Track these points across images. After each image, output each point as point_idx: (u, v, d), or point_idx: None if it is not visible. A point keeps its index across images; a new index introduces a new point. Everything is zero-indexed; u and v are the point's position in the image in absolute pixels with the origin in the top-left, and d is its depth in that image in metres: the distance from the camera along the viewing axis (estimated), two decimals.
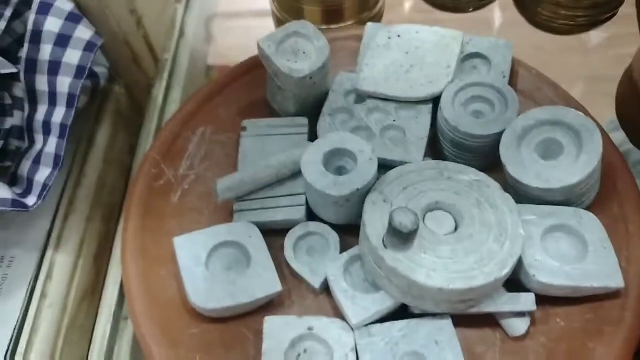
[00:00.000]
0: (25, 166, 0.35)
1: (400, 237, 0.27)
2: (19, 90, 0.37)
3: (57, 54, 0.36)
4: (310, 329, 0.28)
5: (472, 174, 0.31)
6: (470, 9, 0.53)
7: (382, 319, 0.29)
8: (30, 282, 0.33)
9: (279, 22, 0.51)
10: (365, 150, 0.31)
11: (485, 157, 0.34)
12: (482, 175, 0.31)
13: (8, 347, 0.31)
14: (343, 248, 0.31)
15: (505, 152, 0.31)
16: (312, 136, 0.35)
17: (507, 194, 0.30)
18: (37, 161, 0.35)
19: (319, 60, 0.34)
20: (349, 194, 0.30)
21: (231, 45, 0.56)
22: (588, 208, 0.31)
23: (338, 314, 0.29)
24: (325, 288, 0.30)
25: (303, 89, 0.35)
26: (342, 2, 0.47)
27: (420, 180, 0.30)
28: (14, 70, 0.35)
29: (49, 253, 0.34)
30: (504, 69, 0.37)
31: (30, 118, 0.36)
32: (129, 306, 0.31)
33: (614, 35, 0.50)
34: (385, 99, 0.36)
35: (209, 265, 0.31)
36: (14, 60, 0.36)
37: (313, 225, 0.32)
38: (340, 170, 0.32)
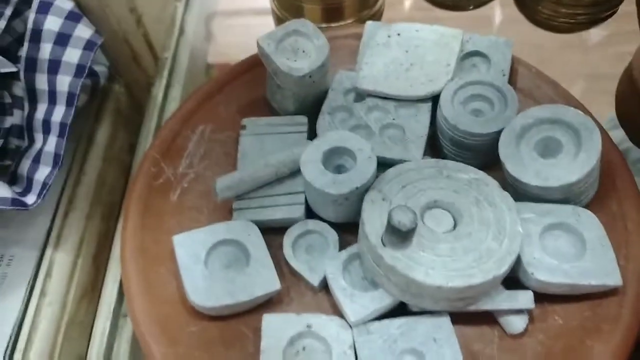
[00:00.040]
0: (25, 165, 0.35)
1: (399, 235, 0.27)
2: (19, 89, 0.37)
3: (57, 53, 0.36)
4: (309, 326, 0.28)
5: (471, 173, 0.31)
6: (471, 7, 0.53)
7: (380, 317, 0.29)
8: (30, 281, 0.33)
9: (279, 21, 0.51)
10: (365, 149, 0.31)
11: (485, 155, 0.34)
12: (481, 174, 0.31)
13: (8, 344, 0.31)
14: (342, 246, 0.31)
15: (505, 151, 0.31)
16: (312, 135, 0.35)
17: (506, 192, 0.30)
18: (37, 160, 0.35)
19: (318, 59, 0.34)
20: (348, 193, 0.30)
21: (231, 44, 0.56)
22: (587, 206, 0.31)
23: (337, 311, 0.29)
24: (324, 286, 0.30)
25: (303, 88, 0.35)
26: (342, 1, 0.47)
27: (420, 178, 0.30)
28: (14, 69, 0.35)
29: (48, 251, 0.34)
30: (504, 68, 0.37)
31: (30, 117, 0.36)
32: (129, 304, 0.31)
33: (615, 33, 0.50)
34: (385, 97, 0.36)
35: (208, 263, 0.31)
36: (14, 59, 0.36)
37: (312, 224, 0.32)
38: (339, 169, 0.32)
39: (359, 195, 0.30)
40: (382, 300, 0.29)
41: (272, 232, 0.32)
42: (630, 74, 0.39)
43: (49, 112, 0.36)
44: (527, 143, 0.31)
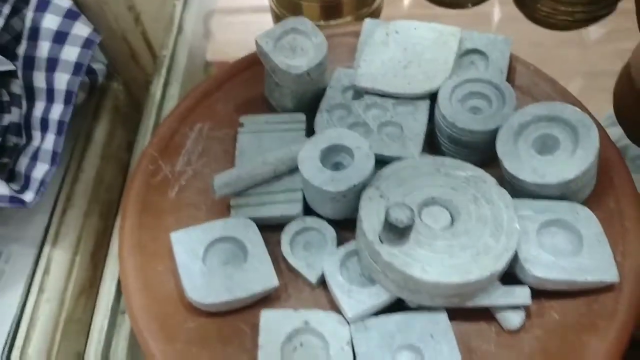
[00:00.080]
0: (23, 163, 0.35)
1: (396, 232, 0.27)
2: (16, 87, 0.37)
3: (55, 51, 0.36)
4: (306, 322, 0.28)
5: (469, 170, 0.31)
6: (470, 5, 0.53)
7: (378, 313, 0.29)
8: (28, 278, 0.33)
9: (278, 19, 0.51)
10: (362, 147, 0.31)
11: (483, 152, 0.34)
12: (479, 171, 0.31)
13: (6, 341, 0.31)
14: (340, 243, 0.31)
15: (502, 148, 0.31)
16: (310, 132, 0.35)
17: (504, 189, 0.30)
18: (34, 158, 0.35)
19: (316, 57, 0.34)
20: (346, 190, 0.30)
21: (230, 42, 0.56)
22: (584, 203, 0.31)
23: (334, 308, 0.29)
24: (322, 282, 0.31)
25: (301, 86, 0.35)
26: None
27: (417, 175, 0.30)
28: (12, 67, 0.35)
29: (46, 249, 0.35)
30: (502, 65, 0.37)
31: (28, 115, 0.36)
32: (127, 301, 0.31)
33: (613, 31, 0.50)
34: (383, 95, 0.36)
35: (206, 260, 0.31)
36: (12, 57, 0.36)
37: (310, 221, 0.32)
38: (337, 166, 0.32)
39: (357, 192, 0.30)
40: (379, 296, 0.29)
41: (270, 229, 0.32)
42: (628, 72, 0.39)
43: (47, 110, 0.36)
44: (525, 140, 0.32)
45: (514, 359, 0.28)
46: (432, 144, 0.36)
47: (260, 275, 0.30)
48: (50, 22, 0.36)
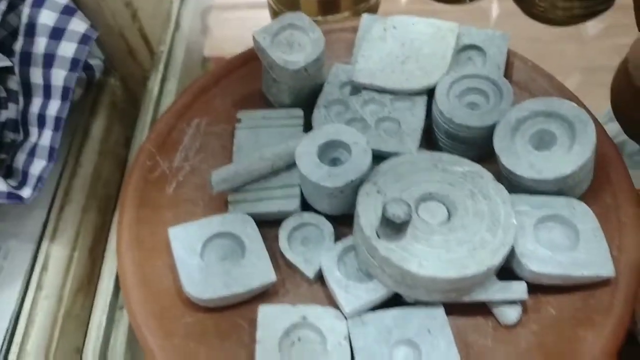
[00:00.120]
0: (20, 159, 0.35)
1: (393, 227, 0.27)
2: (13, 83, 0.37)
3: (51, 47, 0.36)
4: (304, 317, 0.28)
5: (466, 166, 0.31)
6: (468, 1, 0.53)
7: (375, 308, 0.29)
8: (26, 274, 0.33)
9: (275, 14, 0.51)
10: (360, 142, 0.31)
11: (480, 148, 0.34)
12: (476, 167, 0.31)
13: (4, 338, 0.31)
14: (337, 238, 0.31)
15: (499, 144, 0.31)
16: (308, 128, 0.35)
17: (501, 184, 0.30)
18: (32, 154, 0.35)
19: (314, 53, 0.34)
20: (343, 186, 0.30)
21: (227, 37, 0.56)
22: (581, 198, 0.31)
23: (332, 303, 0.29)
24: (320, 278, 0.31)
25: (298, 81, 0.35)
26: None
27: (415, 171, 0.30)
28: (8, 63, 0.35)
29: (44, 245, 0.35)
30: (500, 61, 0.37)
31: (25, 111, 0.36)
32: (125, 297, 0.31)
33: (611, 26, 0.50)
34: (381, 90, 0.36)
35: (204, 255, 0.31)
36: (8, 53, 0.36)
37: (308, 216, 0.32)
38: (335, 162, 0.32)
39: (354, 188, 0.30)
40: (376, 291, 0.29)
41: (268, 224, 0.32)
42: (625, 68, 0.39)
43: (44, 106, 0.36)
44: (522, 136, 0.32)
45: (511, 354, 0.28)
46: (429, 140, 0.36)
47: (257, 271, 0.30)
48: (47, 18, 0.36)
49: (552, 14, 0.49)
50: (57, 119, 0.35)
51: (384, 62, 0.37)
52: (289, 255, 0.31)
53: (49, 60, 0.36)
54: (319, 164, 0.31)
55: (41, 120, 0.36)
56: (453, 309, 0.29)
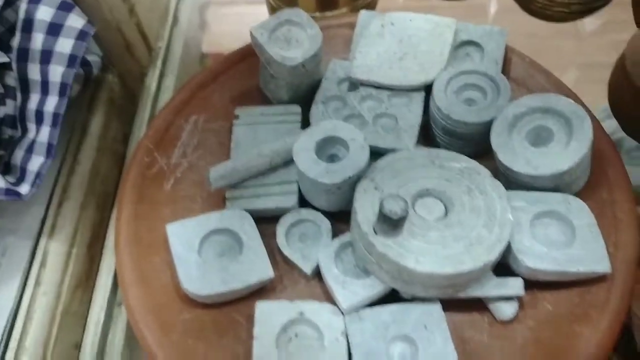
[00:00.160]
0: (18, 155, 0.35)
1: (390, 223, 0.27)
2: (11, 79, 0.37)
3: (49, 43, 0.36)
4: (301, 313, 0.28)
5: (463, 162, 0.31)
6: None
7: (372, 304, 0.29)
8: (24, 270, 0.33)
9: (273, 10, 0.51)
10: (357, 138, 0.31)
11: (477, 144, 0.34)
12: (473, 163, 0.31)
13: (3, 334, 0.31)
14: (335, 234, 0.32)
15: (496, 140, 0.31)
16: (306, 124, 0.35)
17: (498, 181, 0.30)
18: (30, 150, 0.35)
19: (311, 49, 0.34)
20: (341, 182, 0.30)
21: (226, 33, 0.56)
22: (578, 194, 0.31)
23: (329, 299, 0.29)
24: (317, 274, 0.31)
25: (296, 77, 0.35)
26: None
27: (412, 167, 0.30)
28: (6, 59, 0.35)
29: (42, 241, 0.35)
30: (497, 57, 0.37)
31: (23, 107, 0.36)
32: (123, 293, 0.31)
33: (609, 22, 0.51)
34: (379, 87, 0.36)
35: (201, 252, 0.31)
36: (5, 49, 0.36)
37: (305, 213, 0.32)
38: (332, 158, 0.32)
39: (352, 184, 0.30)
40: (373, 287, 0.29)
41: (266, 220, 0.32)
42: (623, 64, 0.39)
43: (41, 102, 0.36)
44: (519, 132, 0.32)
45: (507, 350, 0.28)
46: (427, 136, 0.36)
47: (255, 267, 0.30)
48: (44, 13, 0.36)
49: (550, 10, 0.49)
50: (55, 115, 0.35)
51: (382, 58, 0.37)
52: (287, 251, 0.31)
53: (46, 56, 0.36)
54: (317, 161, 0.31)
55: (39, 117, 0.36)
56: (450, 304, 0.29)
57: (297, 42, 0.35)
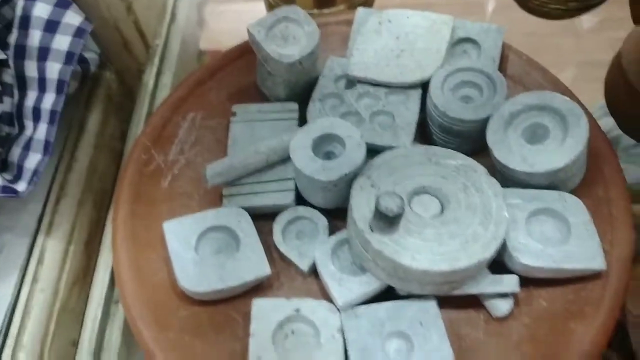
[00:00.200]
0: (15, 152, 0.35)
1: (386, 220, 0.27)
2: (8, 76, 0.37)
3: (46, 40, 0.36)
4: (297, 310, 0.28)
5: (459, 159, 0.31)
6: None
7: (368, 301, 0.29)
8: (21, 268, 0.33)
9: (271, 7, 0.50)
10: (354, 136, 0.31)
11: (474, 141, 0.34)
12: (469, 160, 0.31)
13: (0, 331, 0.31)
14: (332, 232, 0.32)
15: (492, 137, 0.32)
16: (303, 121, 0.35)
17: (494, 178, 0.30)
18: (27, 148, 0.35)
19: (308, 46, 0.34)
20: (337, 179, 0.30)
21: (223, 30, 0.56)
22: (574, 192, 0.32)
23: (326, 296, 0.30)
24: (314, 271, 0.31)
25: (293, 75, 0.35)
26: None
27: (408, 165, 0.30)
28: (3, 56, 0.35)
29: (40, 238, 0.35)
30: (494, 54, 0.37)
31: (20, 104, 0.36)
32: (120, 290, 0.31)
33: (606, 19, 0.50)
34: (376, 84, 0.36)
35: (198, 249, 0.31)
36: (3, 46, 0.36)
37: (302, 210, 0.32)
38: (329, 156, 0.32)
39: (348, 181, 0.30)
40: (369, 284, 0.29)
41: (263, 218, 0.32)
42: (619, 62, 0.39)
43: (39, 100, 0.36)
44: (515, 129, 0.32)
45: (502, 346, 0.28)
46: (423, 133, 0.36)
47: (252, 264, 0.30)
48: (41, 10, 0.36)
49: (547, 8, 0.49)
50: (52, 113, 0.35)
51: (379, 55, 0.37)
52: (284, 248, 0.31)
53: (43, 53, 0.36)
54: (313, 158, 0.31)
55: (36, 114, 0.36)
56: (445, 301, 0.29)
57: (294, 39, 0.35)
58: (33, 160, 0.34)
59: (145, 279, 0.31)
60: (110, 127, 0.43)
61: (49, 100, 0.35)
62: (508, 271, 0.29)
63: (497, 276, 0.29)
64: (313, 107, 0.36)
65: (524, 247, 0.29)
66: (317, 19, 0.36)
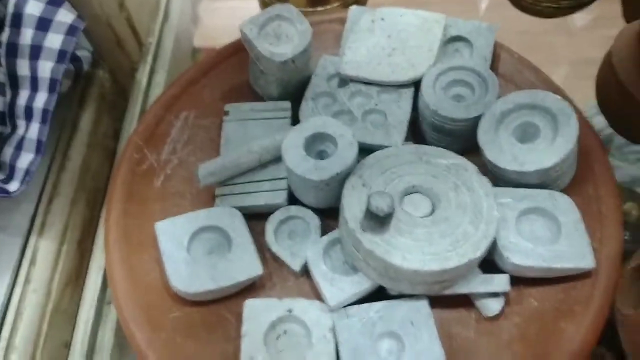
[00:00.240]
0: (7, 152, 0.35)
1: (377, 220, 0.27)
2: (0, 75, 0.36)
3: (38, 38, 0.35)
4: (289, 311, 0.28)
5: (450, 158, 0.31)
6: None
7: (360, 301, 0.29)
8: (14, 268, 0.33)
9: (265, 5, 0.50)
10: (346, 135, 0.31)
11: (466, 140, 0.34)
12: (460, 159, 0.31)
13: None
14: (325, 231, 0.32)
15: (484, 136, 0.32)
16: (296, 120, 0.35)
17: (485, 177, 0.30)
18: (19, 147, 0.35)
19: (301, 44, 0.34)
20: (329, 179, 0.30)
21: (218, 27, 0.56)
22: (564, 190, 0.32)
23: (318, 296, 0.30)
24: (306, 271, 0.31)
25: (285, 73, 0.35)
26: None
27: (399, 164, 0.31)
28: None
29: (32, 238, 0.35)
30: (486, 53, 0.37)
31: (12, 103, 0.36)
32: (112, 291, 0.31)
33: (599, 17, 0.51)
34: (368, 83, 0.36)
35: (190, 249, 0.31)
36: None
37: (295, 210, 0.32)
38: (321, 155, 0.32)
39: (340, 181, 0.30)
40: (361, 284, 0.29)
41: (255, 217, 0.32)
42: (609, 61, 0.39)
43: (31, 98, 0.36)
44: (506, 128, 0.32)
45: (493, 346, 0.29)
46: (415, 132, 0.36)
47: (244, 264, 0.30)
48: (33, 8, 0.35)
49: (540, 6, 0.49)
50: (45, 112, 0.35)
51: (371, 54, 0.37)
52: (276, 248, 0.31)
53: (35, 51, 0.35)
54: (305, 157, 0.31)
55: (28, 113, 0.35)
56: (436, 301, 0.29)
57: (286, 37, 0.35)
58: (25, 159, 0.34)
59: (137, 279, 0.31)
60: (103, 126, 0.43)
61: (41, 99, 0.35)
62: (499, 270, 0.30)
63: (488, 276, 0.29)
64: (305, 106, 0.36)
65: (514, 247, 0.29)
66: (310, 17, 0.36)
